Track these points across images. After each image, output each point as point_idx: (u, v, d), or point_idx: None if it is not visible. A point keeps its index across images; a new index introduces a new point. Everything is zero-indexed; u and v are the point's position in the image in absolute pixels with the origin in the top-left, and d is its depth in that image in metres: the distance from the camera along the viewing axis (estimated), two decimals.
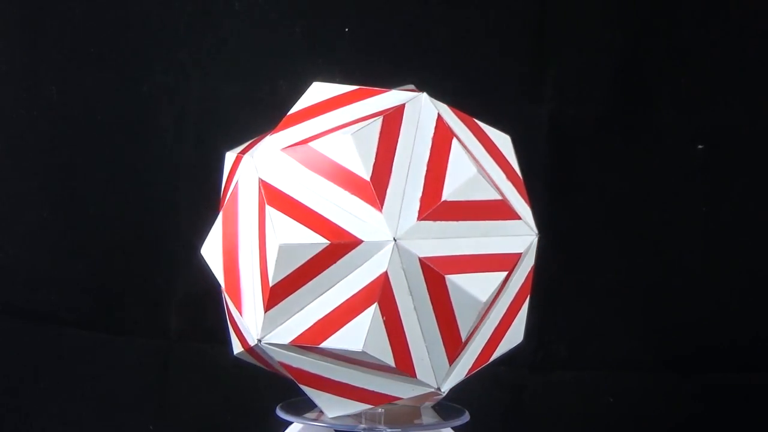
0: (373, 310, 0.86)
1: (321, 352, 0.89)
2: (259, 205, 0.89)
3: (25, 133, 1.36)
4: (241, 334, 0.93)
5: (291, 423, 0.95)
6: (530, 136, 1.29)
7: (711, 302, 1.33)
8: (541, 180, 1.29)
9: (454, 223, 0.89)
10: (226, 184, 0.96)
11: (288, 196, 0.88)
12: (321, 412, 0.94)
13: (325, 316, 0.87)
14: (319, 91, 0.93)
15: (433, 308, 0.88)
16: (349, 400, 0.91)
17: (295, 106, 0.93)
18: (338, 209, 0.87)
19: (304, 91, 0.95)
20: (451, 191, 0.89)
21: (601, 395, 1.34)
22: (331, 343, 0.87)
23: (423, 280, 0.88)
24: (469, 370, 0.92)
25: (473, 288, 0.88)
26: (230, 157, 0.95)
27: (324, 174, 0.88)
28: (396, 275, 0.87)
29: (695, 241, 1.32)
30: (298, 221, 0.87)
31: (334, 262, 0.87)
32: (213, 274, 0.94)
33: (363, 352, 0.86)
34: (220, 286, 0.93)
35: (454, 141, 0.90)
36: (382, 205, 0.87)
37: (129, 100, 1.34)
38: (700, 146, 1.31)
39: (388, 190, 0.88)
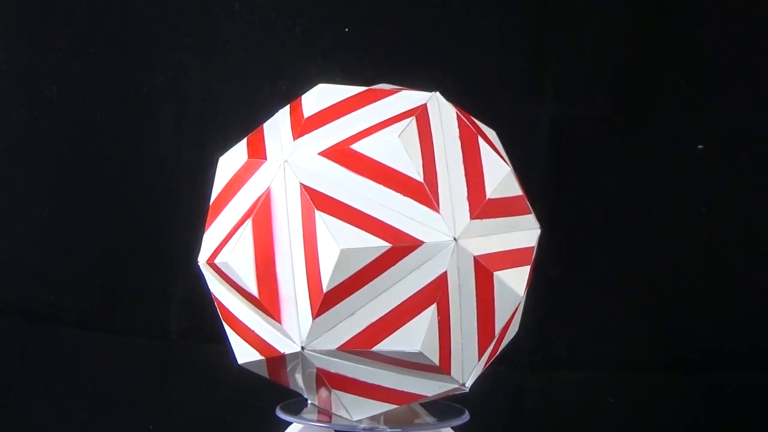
0: (432, 310, 0.86)
1: (367, 356, 0.88)
2: (303, 212, 0.87)
3: (25, 133, 1.36)
4: (263, 341, 0.90)
5: (291, 423, 0.95)
6: (530, 136, 1.29)
7: (711, 302, 1.33)
8: (541, 180, 1.29)
9: (493, 220, 0.90)
10: (227, 189, 0.93)
11: (337, 200, 0.87)
12: (321, 412, 0.94)
13: (380, 318, 0.87)
14: (327, 92, 0.92)
15: (477, 305, 0.89)
16: (375, 401, 0.91)
17: (306, 109, 0.91)
18: (393, 212, 0.87)
19: (304, 91, 0.95)
20: (492, 189, 0.90)
21: (601, 395, 1.34)
22: (387, 345, 0.86)
23: (473, 278, 0.88)
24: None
25: (513, 282, 0.90)
26: (230, 162, 0.93)
27: (373, 177, 0.87)
28: (452, 275, 0.87)
29: (695, 241, 1.32)
30: (354, 225, 0.86)
31: (392, 265, 0.86)
32: (207, 284, 0.94)
33: (419, 353, 0.86)
34: (212, 294, 0.93)
35: (480, 139, 0.92)
36: (438, 205, 0.87)
37: (129, 100, 1.34)
38: (700, 146, 1.31)
39: (439, 191, 0.88)
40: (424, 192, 0.87)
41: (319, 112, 0.91)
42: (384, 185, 0.87)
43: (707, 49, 1.30)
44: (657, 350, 1.33)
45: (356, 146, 0.88)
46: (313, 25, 1.31)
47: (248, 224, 0.89)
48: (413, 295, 0.87)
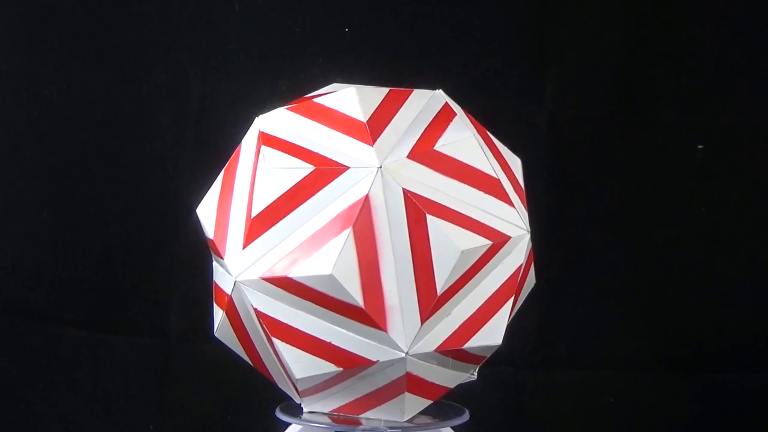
0: (511, 301, 0.88)
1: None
2: (410, 217, 0.88)
3: (25, 133, 1.36)
4: (343, 352, 0.89)
5: (290, 424, 0.95)
6: (530, 136, 1.29)
7: (711, 302, 1.33)
8: (541, 180, 1.29)
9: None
10: (284, 200, 0.90)
11: (438, 203, 0.89)
12: (322, 413, 0.94)
13: (470, 316, 0.88)
14: (363, 94, 0.93)
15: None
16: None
17: (352, 112, 0.91)
18: (480, 210, 0.90)
19: (305, 91, 0.95)
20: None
21: (601, 395, 1.34)
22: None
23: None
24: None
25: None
26: (282, 173, 0.90)
27: (458, 177, 0.91)
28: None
29: (695, 241, 1.32)
30: (460, 226, 0.89)
31: (487, 263, 0.89)
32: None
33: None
34: (255, 311, 0.91)
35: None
36: (510, 199, 0.91)
37: (129, 100, 1.34)
38: (700, 146, 1.31)
39: (503, 186, 0.93)
40: (501, 188, 0.91)
41: (373, 115, 0.92)
42: (469, 185, 0.90)
43: (707, 49, 1.30)
44: (657, 350, 1.33)
45: (439, 147, 0.91)
46: (313, 25, 1.31)
47: (348, 233, 0.87)
48: (498, 288, 0.90)
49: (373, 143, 0.89)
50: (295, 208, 0.88)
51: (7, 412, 1.39)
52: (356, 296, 0.87)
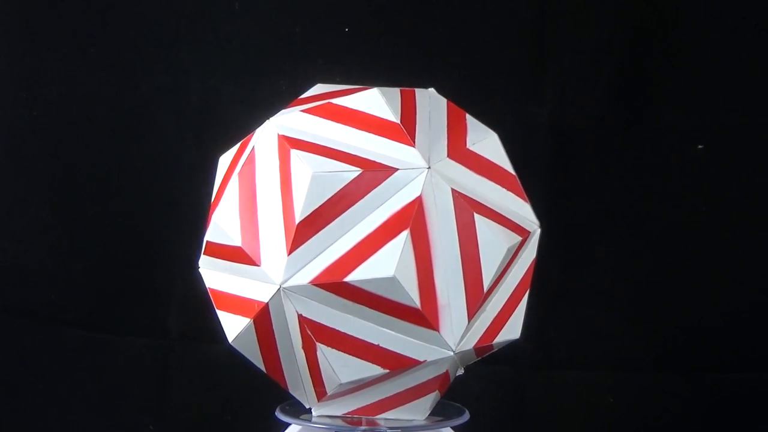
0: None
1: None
2: (458, 216, 0.89)
3: (25, 133, 1.36)
4: (390, 353, 0.89)
5: (290, 424, 0.95)
6: (530, 136, 1.29)
7: (711, 302, 1.33)
8: (541, 180, 1.29)
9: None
10: (331, 204, 0.88)
11: (479, 202, 0.92)
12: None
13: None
14: (387, 95, 0.93)
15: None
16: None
17: (379, 113, 0.91)
18: (510, 210, 0.94)
19: (305, 91, 0.95)
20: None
21: (601, 395, 1.34)
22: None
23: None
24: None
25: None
26: (327, 178, 0.89)
27: (490, 176, 0.94)
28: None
29: (695, 241, 1.32)
30: (500, 224, 0.92)
31: (517, 258, 0.90)
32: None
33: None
34: (301, 317, 0.90)
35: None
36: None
37: (129, 100, 1.34)
38: (700, 146, 1.31)
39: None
40: (518, 185, 0.95)
41: (402, 115, 0.92)
42: (496, 182, 0.94)
43: (707, 49, 1.30)
44: (657, 350, 1.33)
45: (471, 147, 0.93)
46: (313, 25, 1.31)
47: (406, 235, 0.87)
48: (518, 283, 0.94)
49: (414, 144, 0.90)
50: (343, 212, 0.88)
51: (7, 412, 1.38)
52: (414, 298, 0.87)
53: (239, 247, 0.90)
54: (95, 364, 1.37)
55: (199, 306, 1.30)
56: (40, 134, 1.36)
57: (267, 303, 0.88)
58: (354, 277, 0.86)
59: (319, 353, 0.89)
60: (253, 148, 0.91)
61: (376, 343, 0.89)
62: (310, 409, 0.95)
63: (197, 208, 1.08)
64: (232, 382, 1.33)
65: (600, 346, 1.34)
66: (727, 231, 1.32)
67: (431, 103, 0.94)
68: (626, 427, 1.34)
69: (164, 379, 1.36)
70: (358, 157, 0.89)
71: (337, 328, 0.88)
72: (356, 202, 0.88)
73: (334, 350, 0.89)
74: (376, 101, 0.91)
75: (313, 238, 0.87)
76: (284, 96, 0.97)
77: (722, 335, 1.33)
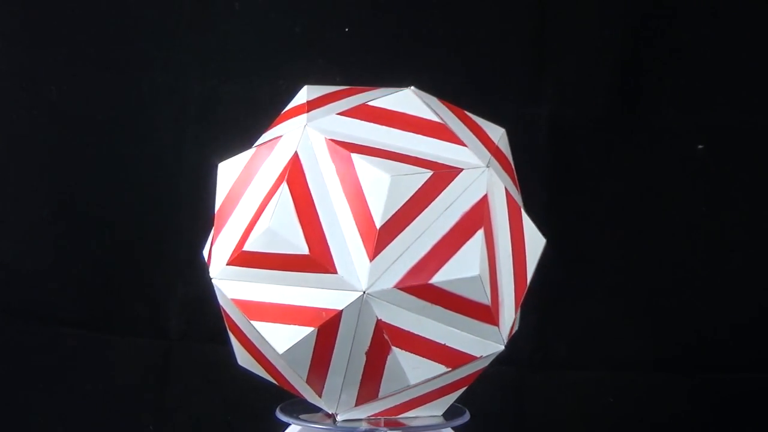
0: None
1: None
2: (510, 214, 0.91)
3: (25, 133, 1.36)
4: (453, 351, 0.89)
5: (290, 424, 0.95)
6: (530, 136, 1.29)
7: (711, 302, 1.33)
8: (541, 180, 1.29)
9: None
10: (408, 207, 0.88)
11: (515, 201, 0.93)
12: (324, 414, 0.94)
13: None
14: (416, 95, 0.93)
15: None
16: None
17: (420, 113, 0.92)
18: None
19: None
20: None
21: (601, 395, 1.34)
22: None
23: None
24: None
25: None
26: (404, 181, 0.88)
27: (512, 176, 0.96)
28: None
29: (695, 241, 1.32)
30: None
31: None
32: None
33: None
34: (382, 323, 0.89)
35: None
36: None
37: (129, 100, 1.34)
38: (700, 146, 1.31)
39: None
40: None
41: (438, 115, 0.93)
42: (514, 182, 0.95)
43: (707, 49, 1.30)
44: (657, 350, 1.33)
45: (497, 143, 0.94)
46: (313, 25, 1.31)
47: (481, 234, 0.88)
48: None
49: (464, 143, 0.91)
50: (419, 214, 0.87)
51: (7, 412, 1.38)
52: (488, 295, 0.88)
53: (306, 256, 0.87)
54: (95, 364, 1.37)
55: (199, 306, 1.31)
56: (40, 134, 1.36)
57: (341, 310, 0.87)
58: (438, 278, 0.86)
59: (390, 357, 0.88)
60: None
61: (443, 343, 0.89)
62: (332, 414, 0.94)
63: (197, 208, 1.08)
64: (232, 382, 1.33)
65: (600, 346, 1.34)
66: (727, 231, 1.32)
67: (431, 101, 0.95)
68: (626, 427, 1.34)
69: (164, 379, 1.36)
70: (419, 158, 0.89)
71: (412, 331, 0.88)
72: (429, 204, 0.88)
73: (407, 353, 0.89)
74: (413, 101, 0.92)
75: (393, 242, 0.87)
76: (284, 96, 0.97)
77: (723, 335, 1.33)
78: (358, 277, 0.86)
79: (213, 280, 0.91)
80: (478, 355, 0.90)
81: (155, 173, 1.34)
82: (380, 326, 0.87)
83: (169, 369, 1.36)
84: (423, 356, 0.89)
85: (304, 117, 0.91)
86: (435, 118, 0.91)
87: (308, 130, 0.90)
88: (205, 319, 1.30)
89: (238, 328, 0.92)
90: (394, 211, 0.87)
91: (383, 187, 0.86)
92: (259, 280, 0.89)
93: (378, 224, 0.86)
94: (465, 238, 0.87)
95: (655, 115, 1.31)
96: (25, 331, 1.38)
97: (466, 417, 0.96)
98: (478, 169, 0.89)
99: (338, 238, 0.87)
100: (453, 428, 0.95)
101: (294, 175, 0.88)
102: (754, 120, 1.31)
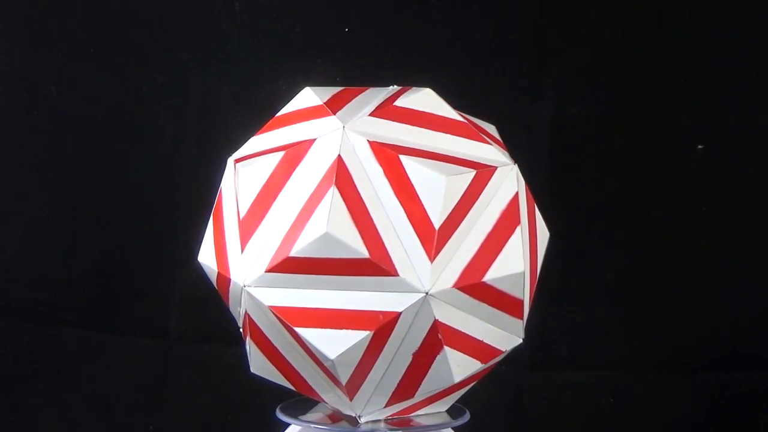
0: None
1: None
2: (529, 212, 0.93)
3: (25, 133, 1.36)
4: (488, 347, 0.90)
5: (290, 424, 0.95)
6: (530, 136, 1.29)
7: (711, 302, 1.33)
8: (541, 180, 1.29)
9: None
10: (459, 208, 0.89)
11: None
12: (323, 415, 0.94)
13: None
14: (436, 95, 0.94)
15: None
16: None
17: (446, 113, 0.93)
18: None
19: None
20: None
21: (601, 395, 1.34)
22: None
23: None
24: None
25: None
26: (456, 180, 0.89)
27: None
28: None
29: (695, 241, 1.32)
30: None
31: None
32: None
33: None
34: (437, 322, 0.89)
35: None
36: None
37: (129, 100, 1.34)
38: (700, 146, 1.31)
39: None
40: None
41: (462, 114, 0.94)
42: None
43: (707, 50, 1.30)
44: (657, 350, 1.33)
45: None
46: (313, 25, 1.31)
47: (519, 230, 0.90)
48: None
49: (488, 141, 0.92)
50: (467, 213, 0.88)
51: (7, 412, 1.38)
52: (526, 291, 0.90)
53: (366, 259, 0.85)
54: (95, 364, 1.37)
55: (199, 306, 1.31)
56: (40, 134, 1.36)
57: (400, 312, 0.86)
58: (489, 276, 0.88)
59: (439, 357, 0.89)
60: (339, 156, 0.87)
61: (481, 339, 0.90)
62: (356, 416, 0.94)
63: (197, 208, 1.08)
64: (232, 382, 1.33)
65: (600, 346, 1.34)
66: (727, 231, 1.32)
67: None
68: (626, 427, 1.34)
69: (164, 379, 1.36)
70: (457, 158, 0.89)
71: (460, 329, 0.89)
72: (474, 203, 0.88)
73: (455, 351, 0.89)
74: (435, 100, 0.92)
75: (448, 242, 0.87)
76: (284, 96, 0.97)
77: (722, 335, 1.33)
78: (419, 279, 0.86)
79: (246, 288, 0.88)
80: (504, 350, 0.91)
81: (155, 173, 1.34)
82: (435, 326, 0.87)
83: (169, 369, 1.36)
84: (467, 354, 0.90)
85: (332, 119, 0.90)
86: (459, 118, 0.92)
87: (347, 132, 0.88)
88: (205, 319, 1.30)
89: (263, 335, 0.90)
90: (449, 212, 0.87)
91: (440, 188, 0.87)
92: (304, 286, 0.87)
93: (437, 225, 0.86)
94: (507, 236, 0.88)
95: (655, 115, 1.31)
96: (25, 331, 1.38)
97: (466, 417, 0.96)
98: (508, 167, 0.90)
99: (394, 240, 0.86)
100: (453, 428, 0.95)
101: (341, 178, 0.87)
102: (755, 120, 1.31)
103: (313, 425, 0.93)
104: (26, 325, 1.38)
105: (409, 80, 0.97)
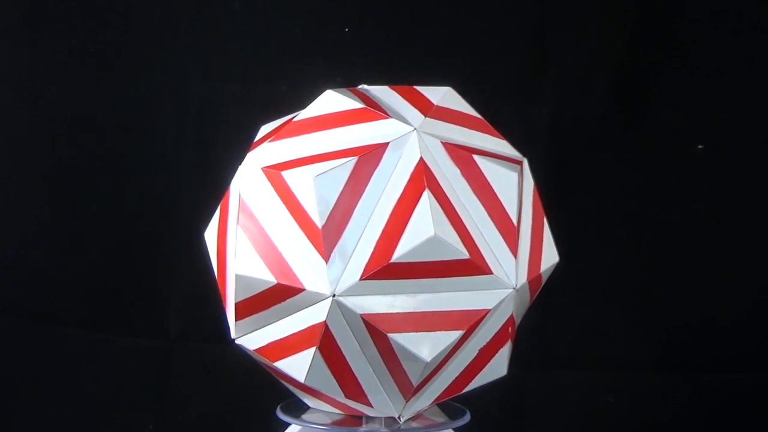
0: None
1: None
2: (534, 211, 0.93)
3: (25, 133, 1.36)
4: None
5: (290, 424, 0.95)
6: (530, 136, 1.29)
7: (711, 302, 1.33)
8: (541, 180, 1.29)
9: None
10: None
11: None
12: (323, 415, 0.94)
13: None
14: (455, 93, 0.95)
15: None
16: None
17: (465, 110, 0.94)
18: None
19: (305, 92, 0.95)
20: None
21: (601, 395, 1.34)
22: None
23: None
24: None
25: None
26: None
27: None
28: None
29: (695, 241, 1.32)
30: None
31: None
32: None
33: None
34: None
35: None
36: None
37: (129, 100, 1.34)
38: (700, 146, 1.31)
39: None
40: None
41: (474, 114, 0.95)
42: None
43: (707, 49, 1.30)
44: (657, 350, 1.33)
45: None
46: (313, 25, 1.31)
47: (545, 224, 0.94)
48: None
49: (500, 136, 0.94)
50: (522, 208, 0.91)
51: (8, 412, 1.38)
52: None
53: (467, 260, 0.86)
54: (95, 364, 1.37)
55: (199, 306, 1.31)
56: (40, 134, 1.36)
57: (489, 310, 0.88)
58: (543, 268, 0.93)
59: (502, 349, 0.90)
60: (421, 159, 0.86)
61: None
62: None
63: (197, 208, 1.08)
64: (232, 382, 1.33)
65: (600, 346, 1.34)
66: (727, 231, 1.32)
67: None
68: (626, 427, 1.34)
69: (164, 379, 1.36)
70: (497, 155, 0.91)
71: (518, 321, 0.93)
72: (522, 197, 0.93)
73: (511, 342, 0.91)
74: (457, 99, 0.94)
75: (520, 237, 0.91)
76: (284, 96, 0.97)
77: (722, 335, 1.33)
78: (507, 275, 0.88)
79: (337, 298, 0.85)
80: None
81: (155, 173, 1.34)
82: (510, 320, 0.89)
83: (169, 369, 1.36)
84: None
85: (393, 121, 0.89)
86: (477, 114, 0.94)
87: (418, 135, 0.88)
88: (205, 319, 1.30)
89: (336, 345, 0.87)
90: (516, 209, 0.90)
91: (513, 185, 0.90)
92: (397, 291, 0.85)
93: (515, 222, 0.89)
94: (540, 229, 0.93)
95: (655, 115, 1.31)
96: (25, 331, 1.38)
97: (467, 417, 0.96)
98: (524, 161, 0.93)
99: (481, 239, 0.88)
100: (453, 429, 0.95)
101: (429, 180, 0.87)
102: (755, 120, 1.31)
103: (313, 425, 0.93)
104: (26, 325, 1.38)
105: (410, 80, 0.97)
